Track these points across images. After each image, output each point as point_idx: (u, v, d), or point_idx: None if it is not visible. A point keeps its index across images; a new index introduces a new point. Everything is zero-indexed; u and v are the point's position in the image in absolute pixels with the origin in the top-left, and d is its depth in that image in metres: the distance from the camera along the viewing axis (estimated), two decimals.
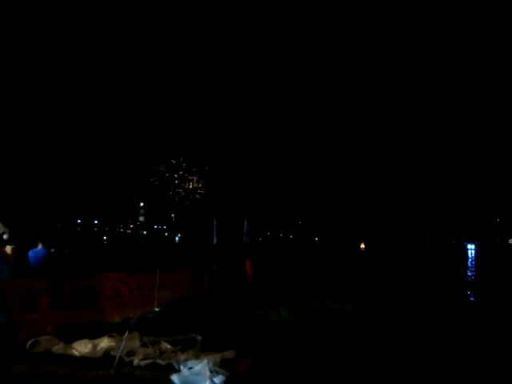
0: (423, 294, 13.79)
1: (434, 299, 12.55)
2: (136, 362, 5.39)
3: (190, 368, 5.00)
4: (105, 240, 54.23)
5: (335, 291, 11.76)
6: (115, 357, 5.27)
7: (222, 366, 5.20)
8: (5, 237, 4.26)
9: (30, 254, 7.54)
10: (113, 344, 5.88)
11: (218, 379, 4.82)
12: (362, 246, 61.06)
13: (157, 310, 9.01)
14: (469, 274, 24.48)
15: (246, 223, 6.93)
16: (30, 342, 5.92)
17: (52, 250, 7.86)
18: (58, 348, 5.84)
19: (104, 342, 5.92)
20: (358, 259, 36.51)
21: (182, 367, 5.10)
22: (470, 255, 49.61)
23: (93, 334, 6.20)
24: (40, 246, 7.57)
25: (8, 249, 5.36)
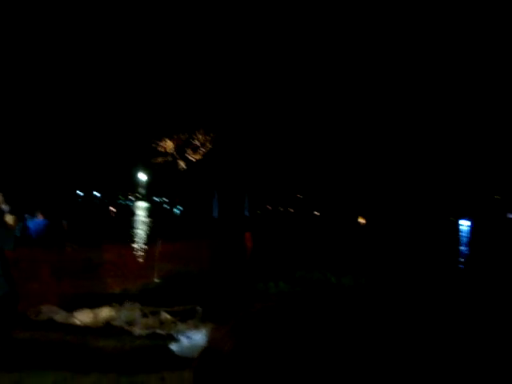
0: (421, 269, 13.88)
1: (431, 274, 12.63)
2: (137, 331, 5.47)
3: (189, 338, 5.09)
4: (113, 211, 52.73)
5: (335, 265, 11.83)
6: (116, 326, 5.34)
7: None
8: (4, 207, 4.24)
9: (31, 224, 7.58)
10: (113, 314, 5.97)
11: None
12: (362, 220, 61.27)
13: (157, 281, 9.09)
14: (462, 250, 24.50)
15: (246, 197, 6.91)
16: (32, 310, 6.00)
17: (51, 221, 7.90)
18: (60, 317, 5.92)
19: (105, 312, 6.01)
20: (359, 234, 36.69)
21: (181, 337, 5.18)
22: (461, 231, 49.30)
23: (94, 304, 6.28)
24: (40, 217, 7.60)
25: (10, 219, 5.38)
